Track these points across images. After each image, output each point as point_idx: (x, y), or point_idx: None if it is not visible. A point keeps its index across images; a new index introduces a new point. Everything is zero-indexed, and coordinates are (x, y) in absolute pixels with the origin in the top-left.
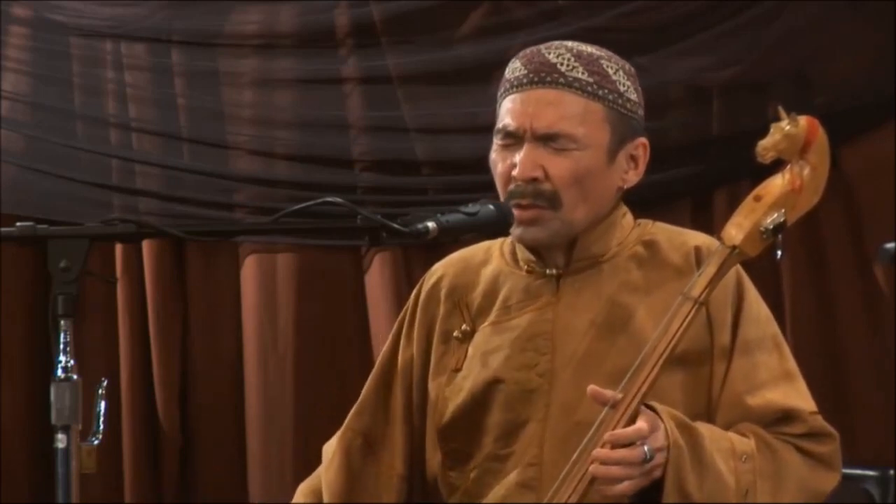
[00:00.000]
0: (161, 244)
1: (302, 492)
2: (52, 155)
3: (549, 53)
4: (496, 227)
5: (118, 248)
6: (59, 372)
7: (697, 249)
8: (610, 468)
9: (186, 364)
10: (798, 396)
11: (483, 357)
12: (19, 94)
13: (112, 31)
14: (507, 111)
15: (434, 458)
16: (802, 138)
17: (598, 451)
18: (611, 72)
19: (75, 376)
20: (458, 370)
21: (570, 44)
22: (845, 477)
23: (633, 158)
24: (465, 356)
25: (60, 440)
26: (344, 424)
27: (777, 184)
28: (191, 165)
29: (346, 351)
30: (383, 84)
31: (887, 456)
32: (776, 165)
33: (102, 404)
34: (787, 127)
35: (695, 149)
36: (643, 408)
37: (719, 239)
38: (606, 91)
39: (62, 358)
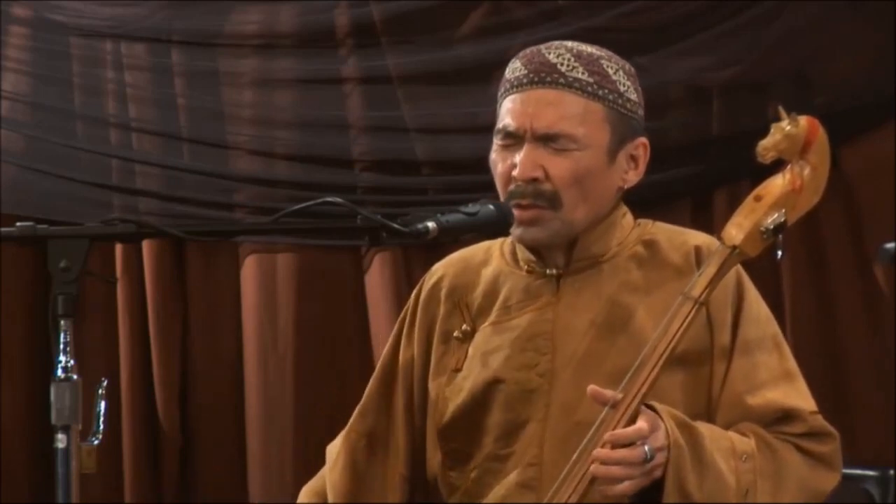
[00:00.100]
0: (161, 244)
1: (306, 493)
2: (52, 155)
3: (550, 53)
4: (496, 227)
5: (118, 248)
6: (59, 372)
7: (697, 249)
8: (610, 468)
9: (186, 364)
10: (798, 396)
11: (483, 357)
12: (19, 94)
13: (112, 31)
14: (508, 111)
15: (434, 458)
16: (803, 138)
17: (599, 451)
18: (611, 72)
19: (75, 376)
20: (458, 370)
21: (570, 44)
22: (845, 477)
23: (634, 158)
24: (466, 356)
25: (60, 440)
26: (347, 425)
27: (777, 184)
28: (191, 165)
29: (346, 351)
30: (383, 84)
31: (887, 456)
32: (776, 165)
33: (102, 404)
34: (788, 127)
35: (695, 149)
36: (643, 408)
37: (719, 239)
38: (606, 91)
39: (62, 358)
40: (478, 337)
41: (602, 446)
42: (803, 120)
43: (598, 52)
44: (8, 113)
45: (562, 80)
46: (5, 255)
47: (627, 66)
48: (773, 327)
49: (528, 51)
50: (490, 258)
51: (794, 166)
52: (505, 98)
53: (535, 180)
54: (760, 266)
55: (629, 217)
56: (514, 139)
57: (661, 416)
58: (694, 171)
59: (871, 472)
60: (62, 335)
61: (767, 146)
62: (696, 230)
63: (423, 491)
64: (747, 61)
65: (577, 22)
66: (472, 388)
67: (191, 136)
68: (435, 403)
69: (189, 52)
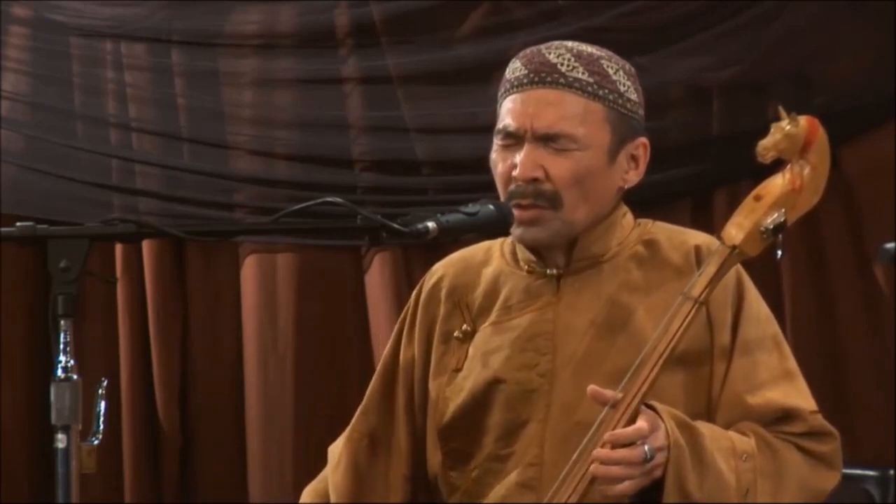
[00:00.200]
0: (161, 244)
1: (308, 494)
2: (52, 155)
3: (550, 53)
4: (496, 227)
5: (118, 248)
6: (59, 372)
7: (697, 249)
8: (610, 468)
9: (186, 364)
10: (798, 395)
11: (483, 357)
12: (19, 94)
13: (112, 31)
14: (508, 111)
15: (434, 457)
16: (803, 138)
17: (599, 451)
18: (611, 72)
19: (75, 376)
20: (458, 370)
21: (570, 44)
22: (845, 477)
23: (634, 158)
24: (466, 356)
25: (60, 440)
26: (350, 426)
27: (777, 183)
28: (191, 165)
29: (346, 351)
30: (383, 84)
31: (887, 456)
32: (776, 165)
33: (102, 404)
34: (788, 127)
35: (695, 149)
36: (643, 407)
37: (719, 239)
38: (607, 91)
39: (62, 358)
40: (478, 337)
41: (602, 446)
42: (803, 120)
43: (599, 52)
44: (8, 113)
45: (562, 80)
46: (5, 255)
47: (628, 66)
48: (774, 327)
49: (528, 51)
50: (490, 258)
51: (794, 166)
52: (505, 98)
53: (535, 180)
54: (760, 266)
55: (629, 217)
56: (514, 139)
57: (661, 416)
58: (694, 171)
59: (871, 472)
60: (62, 335)
61: (767, 146)
62: (696, 230)
63: (425, 490)
64: (747, 61)
65: (577, 22)
66: (473, 388)
67: (191, 136)
68: (435, 403)
69: (189, 52)
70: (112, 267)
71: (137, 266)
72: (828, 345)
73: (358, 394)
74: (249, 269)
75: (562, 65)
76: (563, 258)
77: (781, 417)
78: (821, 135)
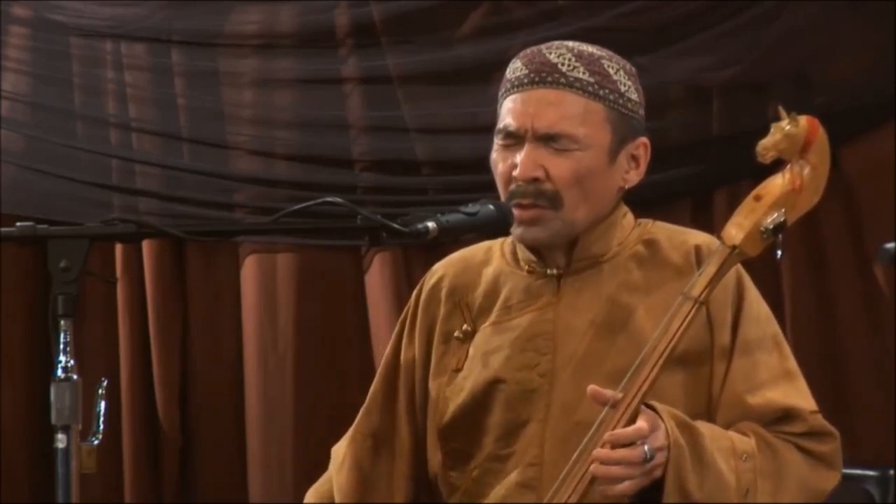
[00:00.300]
0: (161, 244)
1: (311, 495)
2: (52, 155)
3: (550, 53)
4: (496, 227)
5: (118, 248)
6: (59, 372)
7: (697, 248)
8: (610, 468)
9: (186, 364)
10: (798, 395)
11: (484, 357)
12: (19, 94)
13: (112, 31)
14: (508, 111)
15: (435, 457)
16: (803, 138)
17: (599, 451)
18: (612, 72)
19: (75, 376)
20: (458, 370)
21: (570, 44)
22: (845, 477)
23: (634, 158)
24: (466, 356)
25: (60, 440)
26: (353, 426)
27: (777, 183)
28: (191, 165)
29: (346, 351)
30: (383, 84)
31: (887, 456)
32: (776, 165)
33: (102, 404)
34: (788, 127)
35: (695, 149)
36: (643, 407)
37: (719, 239)
38: (607, 91)
39: (62, 358)
40: (478, 337)
41: (602, 446)
42: (803, 120)
43: (599, 52)
44: (8, 113)
45: (563, 80)
46: (5, 255)
47: (628, 65)
48: (774, 327)
49: (528, 51)
50: (490, 258)
51: (793, 166)
52: (506, 98)
53: (535, 180)
54: (760, 266)
55: (630, 217)
56: (514, 139)
57: (661, 416)
58: (694, 171)
59: (871, 472)
60: (62, 335)
61: (767, 146)
62: (697, 230)
63: (426, 490)
64: (747, 61)
65: (577, 22)
66: (473, 388)
67: (191, 136)
68: (435, 403)
69: (189, 52)
70: (112, 267)
71: (137, 266)
72: (828, 345)
73: (358, 394)
74: (249, 269)
75: (562, 65)
76: (563, 258)
77: (781, 417)
78: (821, 135)
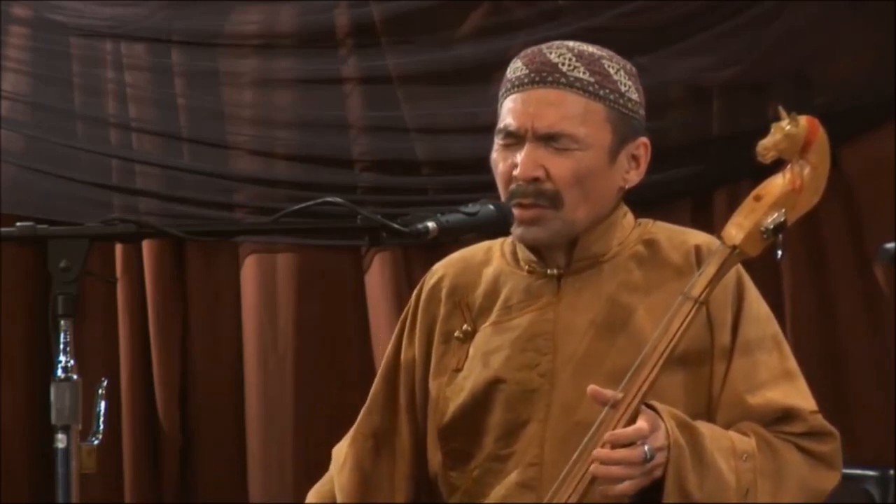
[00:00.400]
0: (161, 244)
1: (313, 495)
2: (52, 155)
3: (551, 53)
4: (496, 227)
5: (118, 248)
6: (59, 372)
7: (697, 248)
8: (610, 468)
9: (186, 364)
10: (798, 395)
11: (484, 357)
12: (19, 94)
13: (112, 31)
14: (509, 111)
15: (435, 457)
16: (803, 138)
17: (599, 451)
18: (612, 72)
19: (75, 376)
20: (458, 370)
21: (571, 44)
22: (845, 477)
23: (635, 158)
24: (466, 356)
25: (60, 440)
26: (354, 426)
27: (777, 184)
28: (191, 165)
29: (346, 351)
30: (383, 84)
31: (887, 456)
32: (776, 165)
33: (102, 404)
34: (788, 127)
35: (695, 149)
36: (643, 407)
37: (720, 239)
38: (608, 91)
39: (62, 358)
40: (478, 337)
41: (602, 446)
42: (803, 120)
43: (600, 52)
44: (8, 113)
45: (563, 80)
46: (5, 255)
47: (629, 65)
48: (774, 327)
49: (529, 50)
50: (491, 258)
51: (794, 166)
52: (506, 98)
53: (536, 180)
54: (760, 266)
55: (630, 217)
56: (515, 139)
57: (661, 416)
58: (694, 171)
59: (871, 472)
60: (62, 335)
61: (767, 146)
62: (697, 230)
63: (427, 490)
64: (747, 61)
65: (577, 22)
66: (473, 388)
67: (191, 136)
68: (436, 403)
69: (189, 52)
70: (112, 267)
71: (137, 266)
72: (828, 345)
73: (358, 394)
74: (249, 269)
75: (563, 64)
76: (563, 258)
77: (781, 417)
78: (821, 135)
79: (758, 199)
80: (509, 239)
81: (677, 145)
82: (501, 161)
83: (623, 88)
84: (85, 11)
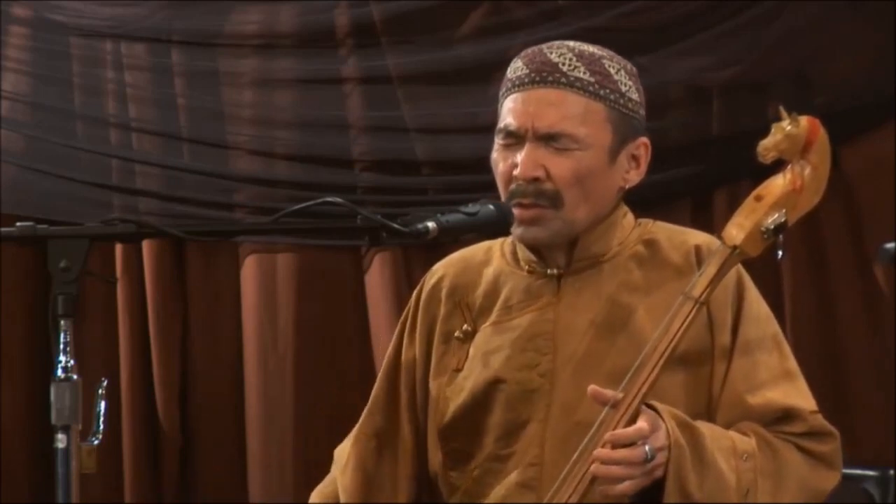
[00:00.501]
0: (161, 244)
1: (316, 496)
2: (52, 155)
3: (551, 53)
4: (496, 227)
5: (118, 248)
6: (59, 372)
7: (697, 248)
8: (611, 468)
9: (186, 364)
10: (798, 395)
11: (484, 357)
12: (19, 94)
13: (112, 31)
14: (509, 111)
15: (435, 457)
16: (803, 138)
17: (599, 451)
18: (612, 71)
19: (75, 376)
20: (459, 370)
21: (571, 43)
22: (845, 477)
23: (635, 158)
24: (467, 356)
25: (60, 440)
26: (356, 427)
27: (778, 184)
28: (191, 165)
29: (346, 351)
30: (383, 84)
31: (887, 456)
32: (776, 165)
33: (102, 404)
34: (789, 127)
35: (695, 149)
36: (644, 407)
37: (720, 239)
38: (608, 91)
39: (62, 358)
40: (479, 337)
41: (602, 446)
42: (804, 120)
43: (600, 52)
44: (8, 113)
45: (563, 80)
46: (5, 255)
47: (629, 65)
48: (774, 327)
49: (529, 50)
50: (491, 258)
51: (794, 166)
52: (506, 97)
53: (536, 180)
54: (761, 266)
55: (630, 217)
56: (515, 139)
57: (661, 416)
58: (694, 171)
59: (871, 472)
60: (62, 335)
61: (768, 146)
62: (697, 230)
63: (428, 490)
64: (747, 61)
65: (577, 22)
66: (473, 388)
67: (191, 136)
68: (436, 403)
69: (189, 52)
70: (112, 267)
71: (137, 266)
72: (828, 345)
73: (358, 394)
74: (249, 269)
75: (563, 64)
76: (563, 258)
77: (781, 417)
78: (821, 135)
79: (758, 199)
80: (509, 239)
81: (677, 145)
82: (501, 161)
83: (623, 88)
84: (85, 11)
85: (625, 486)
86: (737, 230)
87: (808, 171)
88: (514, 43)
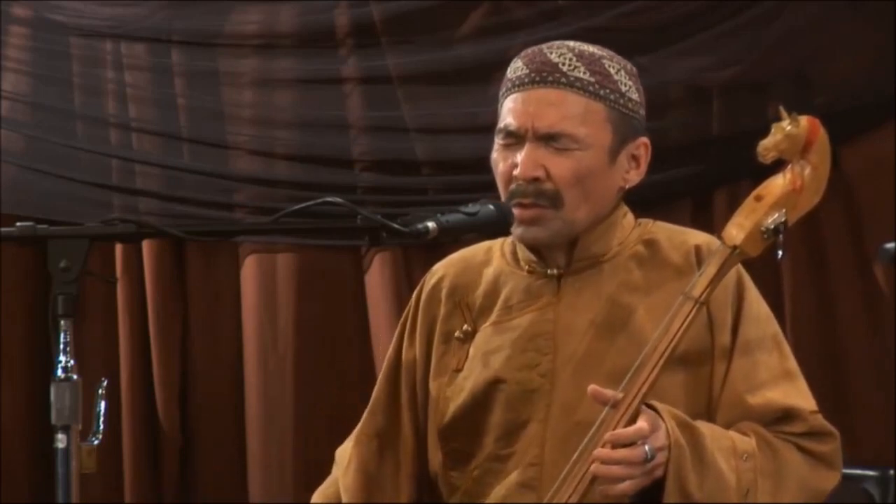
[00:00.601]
0: (161, 244)
1: (318, 496)
2: (52, 155)
3: (551, 53)
4: (496, 227)
5: (118, 248)
6: (59, 372)
7: (697, 248)
8: (611, 468)
9: (186, 364)
10: (798, 395)
11: (484, 357)
12: (19, 94)
13: (112, 31)
14: (509, 111)
15: (435, 457)
16: (804, 138)
17: (599, 451)
18: (612, 71)
19: (75, 376)
20: (459, 370)
21: (571, 43)
22: (845, 477)
23: (635, 158)
24: (467, 356)
25: (60, 440)
26: (357, 427)
27: (778, 184)
28: (191, 165)
29: (346, 351)
30: (383, 84)
31: (887, 456)
32: (776, 165)
33: (102, 404)
34: (789, 127)
35: (695, 149)
36: (644, 407)
37: (720, 239)
38: (608, 91)
39: (62, 358)
40: (479, 337)
41: (602, 446)
42: (804, 120)
43: (600, 52)
44: (8, 113)
45: (563, 80)
46: (5, 255)
47: (629, 65)
48: (774, 327)
49: (529, 50)
50: (491, 258)
51: (794, 166)
52: (506, 97)
53: (536, 179)
54: (760, 266)
55: (630, 217)
56: (515, 138)
57: (661, 416)
58: (694, 171)
59: (871, 472)
60: (62, 335)
61: (768, 146)
62: (697, 230)
63: (429, 490)
64: (747, 61)
65: (577, 22)
66: (473, 388)
67: (191, 136)
68: (436, 403)
69: (189, 52)
70: (112, 267)
71: (137, 266)
72: (828, 345)
73: (358, 394)
74: (249, 269)
75: (563, 64)
76: (563, 258)
77: (781, 417)
78: (822, 135)
79: (758, 199)
80: (509, 239)
81: (677, 145)
82: (501, 161)
83: (623, 88)
84: (85, 11)
85: (625, 486)
86: (737, 230)
87: (808, 171)
88: (514, 43)
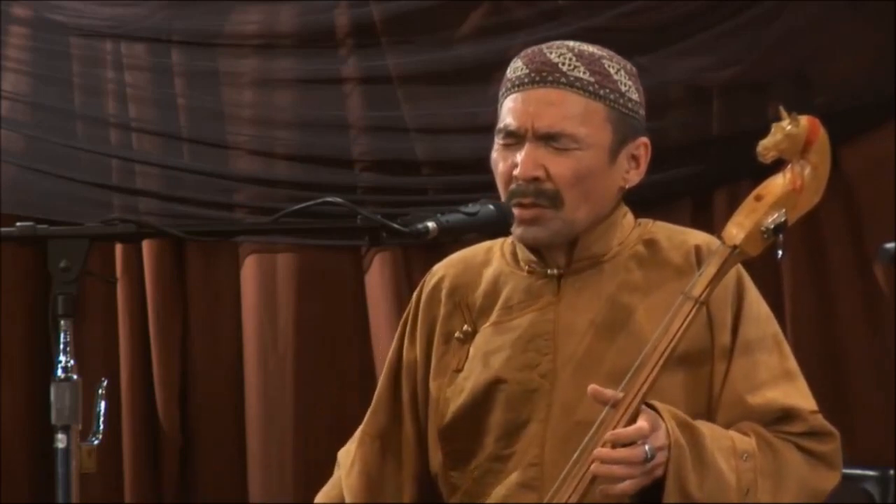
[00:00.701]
0: (161, 244)
1: (321, 497)
2: (52, 155)
3: (551, 53)
4: (496, 227)
5: (118, 248)
6: (59, 372)
7: (697, 248)
8: (611, 467)
9: (186, 364)
10: (798, 395)
11: (484, 357)
12: (19, 94)
13: (112, 31)
14: (509, 111)
15: (436, 457)
16: (804, 138)
17: (600, 451)
18: (612, 71)
19: (75, 376)
20: (459, 370)
21: (571, 43)
22: (845, 477)
23: (635, 158)
24: (467, 357)
25: (60, 440)
26: (360, 428)
27: (778, 183)
28: (191, 165)
29: (346, 351)
30: (383, 84)
31: (887, 456)
32: (776, 165)
33: (102, 404)
34: (789, 126)
35: (695, 149)
36: (644, 407)
37: (720, 238)
38: (608, 91)
39: (62, 358)
40: (479, 337)
41: (603, 446)
42: (804, 119)
43: (600, 52)
44: (8, 113)
45: (563, 80)
46: (5, 255)
47: (629, 65)
48: (774, 326)
49: (529, 50)
50: (491, 258)
51: (794, 166)
52: (506, 97)
53: (536, 179)
54: (760, 266)
55: (630, 217)
56: (515, 138)
57: (661, 416)
58: (694, 171)
59: (871, 472)
60: (62, 335)
61: (768, 146)
62: (697, 230)
63: (430, 490)
64: (747, 61)
65: (577, 22)
66: (474, 388)
67: (191, 136)
68: (436, 404)
69: (189, 52)
70: (112, 267)
71: (137, 266)
72: (828, 345)
73: (358, 394)
74: (249, 269)
75: (563, 64)
76: (563, 258)
77: (781, 417)
78: (822, 135)
79: (758, 198)
80: (509, 239)
81: (677, 145)
82: (501, 161)
83: (623, 88)
84: (85, 11)
85: (625, 486)
86: (737, 230)
87: (808, 170)
88: (514, 43)
